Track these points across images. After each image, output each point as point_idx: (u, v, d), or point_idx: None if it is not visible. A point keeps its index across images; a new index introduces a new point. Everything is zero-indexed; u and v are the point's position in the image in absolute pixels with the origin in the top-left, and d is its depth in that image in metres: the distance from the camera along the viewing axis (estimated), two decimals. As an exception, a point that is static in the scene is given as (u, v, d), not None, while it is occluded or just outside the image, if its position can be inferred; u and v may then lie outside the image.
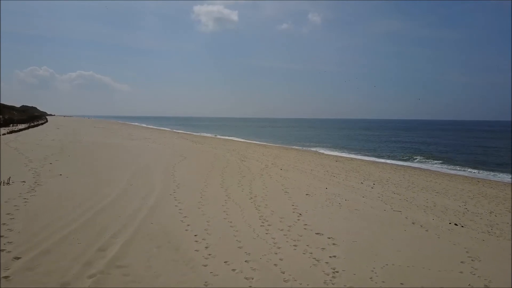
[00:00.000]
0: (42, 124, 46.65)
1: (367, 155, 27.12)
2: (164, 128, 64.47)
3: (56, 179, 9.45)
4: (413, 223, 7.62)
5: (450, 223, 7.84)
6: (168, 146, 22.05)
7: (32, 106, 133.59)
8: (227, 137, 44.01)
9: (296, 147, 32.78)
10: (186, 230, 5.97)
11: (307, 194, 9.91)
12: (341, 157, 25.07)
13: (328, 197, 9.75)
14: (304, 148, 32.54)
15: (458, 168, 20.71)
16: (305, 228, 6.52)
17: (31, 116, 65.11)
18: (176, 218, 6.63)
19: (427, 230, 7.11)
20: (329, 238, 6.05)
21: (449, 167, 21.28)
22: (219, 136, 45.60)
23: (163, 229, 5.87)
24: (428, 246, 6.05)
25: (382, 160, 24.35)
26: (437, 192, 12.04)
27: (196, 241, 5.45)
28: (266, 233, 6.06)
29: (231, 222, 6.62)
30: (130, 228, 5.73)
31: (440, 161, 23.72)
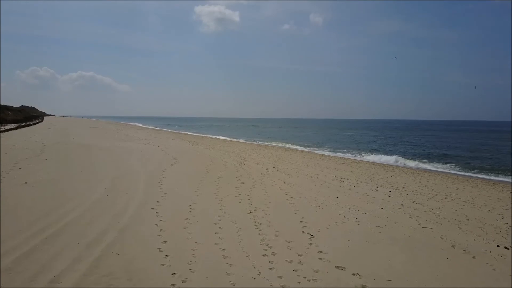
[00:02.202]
0: (34, 124, 45.13)
1: (374, 157, 25.57)
2: (162, 129, 62.95)
3: (18, 189, 7.92)
4: (452, 246, 6.09)
5: (498, 246, 6.30)
6: (162, 148, 20.52)
7: (31, 107, 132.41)
8: (226, 138, 42.49)
9: (298, 148, 31.26)
10: (163, 264, 4.43)
11: (316, 206, 8.37)
12: (347, 159, 23.52)
13: (341, 209, 8.22)
14: (307, 149, 31.00)
15: (476, 171, 19.15)
16: (321, 258, 4.98)
17: (27, 117, 63.81)
18: (152, 244, 5.10)
19: (474, 257, 5.57)
20: (354, 274, 4.51)
21: (465, 170, 19.72)
22: (218, 137, 44.06)
23: (130, 265, 4.33)
24: (488, 285, 4.52)
25: (391, 162, 22.80)
26: (463, 201, 10.49)
27: (173, 285, 3.91)
28: (270, 268, 4.52)
29: (224, 250, 5.08)
30: (82, 265, 4.20)
31: (453, 164, 22.16)
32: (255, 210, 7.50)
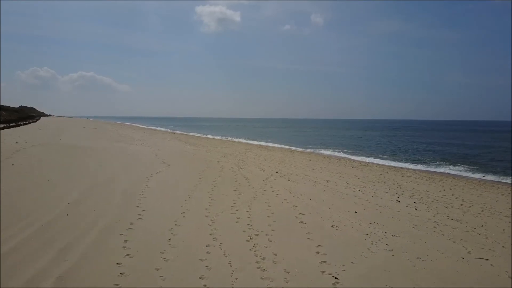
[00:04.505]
0: (25, 124, 43.46)
1: (383, 159, 23.85)
2: (161, 129, 61.23)
3: (-47, 207, 6.22)
4: (533, 293, 4.37)
5: None
6: (153, 150, 18.81)
7: (30, 107, 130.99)
8: (225, 138, 40.78)
9: (301, 149, 29.51)
10: None
11: (333, 226, 6.66)
12: (354, 161, 21.79)
13: (365, 231, 6.51)
14: (310, 150, 29.25)
15: (497, 175, 17.37)
16: (357, 329, 3.26)
17: (22, 117, 62.27)
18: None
19: None
20: None
21: (486, 174, 17.93)
22: (216, 137, 42.34)
23: None
24: None
25: (402, 165, 21.06)
26: (506, 216, 8.75)
27: None
28: None
29: (209, 313, 3.37)
30: None
31: (470, 166, 20.42)
32: (256, 235, 5.78)
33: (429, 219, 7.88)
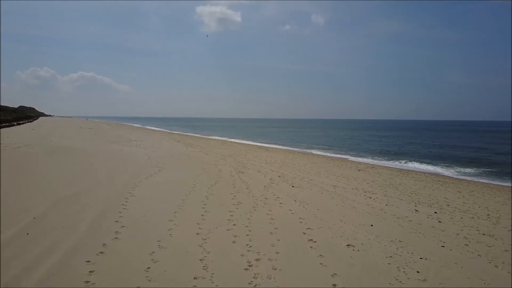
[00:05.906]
0: (19, 124, 42.44)
1: (389, 160, 22.74)
2: (159, 129, 60.13)
3: None
4: None
5: None
6: (148, 151, 17.74)
7: (29, 107, 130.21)
8: (224, 138, 39.68)
9: (304, 150, 28.39)
10: None
11: (348, 245, 5.58)
12: (360, 163, 20.67)
13: (387, 252, 5.43)
14: (313, 151, 28.14)
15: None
16: None
17: (19, 117, 61.38)
18: None
19: None
20: None
21: (502, 177, 16.85)
22: (215, 137, 41.23)
23: None
24: None
25: (410, 166, 19.97)
26: (543, 229, 7.66)
27: None
28: None
29: None
30: None
31: (485, 169, 19.33)
32: (256, 260, 4.69)
33: (457, 234, 6.80)
